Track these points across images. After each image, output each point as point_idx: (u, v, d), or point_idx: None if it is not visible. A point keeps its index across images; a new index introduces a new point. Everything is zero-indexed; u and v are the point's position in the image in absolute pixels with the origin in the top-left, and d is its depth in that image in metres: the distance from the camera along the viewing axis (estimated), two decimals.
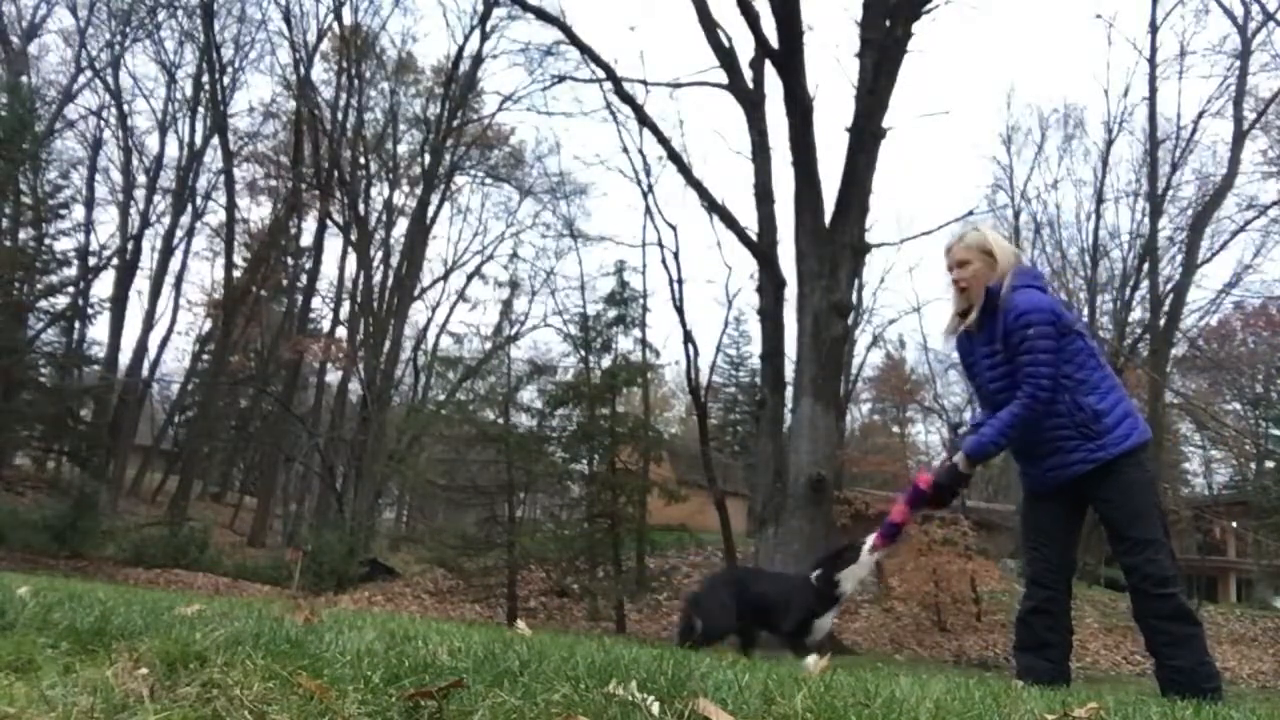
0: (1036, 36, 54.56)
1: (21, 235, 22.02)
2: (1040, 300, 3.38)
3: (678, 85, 15.93)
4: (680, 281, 19.11)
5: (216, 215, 31.97)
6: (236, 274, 31.81)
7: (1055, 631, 3.43)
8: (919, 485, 3.62)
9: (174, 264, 30.02)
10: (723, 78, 14.21)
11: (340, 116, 28.28)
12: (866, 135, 12.57)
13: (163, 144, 29.41)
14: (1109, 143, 24.81)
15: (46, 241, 22.39)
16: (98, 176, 29.01)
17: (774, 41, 12.26)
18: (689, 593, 4.78)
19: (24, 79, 24.61)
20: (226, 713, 1.30)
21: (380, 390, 24.71)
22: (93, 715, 1.27)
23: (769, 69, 13.46)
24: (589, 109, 38.38)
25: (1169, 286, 21.76)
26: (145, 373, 28.61)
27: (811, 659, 3.94)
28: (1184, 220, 22.84)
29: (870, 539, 3.91)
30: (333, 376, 31.87)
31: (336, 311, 33.89)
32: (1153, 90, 20.86)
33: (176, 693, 1.38)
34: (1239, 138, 20.09)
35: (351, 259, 29.41)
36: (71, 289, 24.19)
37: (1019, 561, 25.45)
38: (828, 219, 12.45)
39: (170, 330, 31.69)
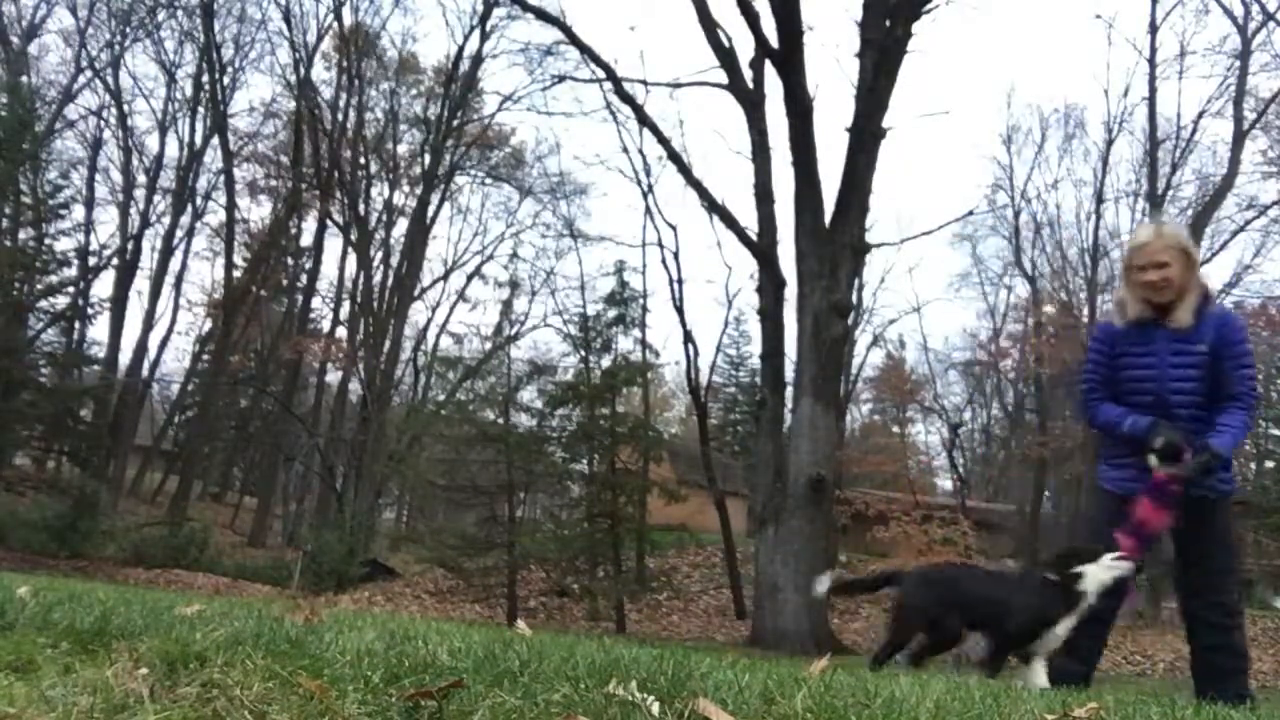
0: (1036, 36, 54.54)
1: (21, 235, 21.99)
2: None
3: (678, 85, 15.97)
4: (680, 281, 19.16)
5: (216, 215, 32.00)
6: (236, 274, 31.79)
7: (1098, 639, 3.53)
8: (1169, 486, 3.29)
9: (174, 264, 30.02)
10: (723, 78, 14.23)
11: (340, 116, 28.29)
12: (866, 135, 12.58)
13: (163, 144, 29.41)
14: (1109, 143, 24.76)
15: (46, 241, 22.37)
16: (98, 176, 29.03)
17: (774, 41, 12.28)
18: (897, 598, 3.85)
19: (24, 79, 24.60)
20: (226, 713, 1.30)
21: (380, 390, 24.72)
22: (93, 715, 1.27)
23: (769, 69, 13.47)
24: (589, 109, 38.32)
25: None
26: (145, 373, 28.60)
27: (1039, 677, 3.29)
28: (1184, 220, 22.77)
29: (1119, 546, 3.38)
30: (333, 376, 31.90)
31: (336, 311, 33.91)
32: (1153, 90, 20.82)
33: (176, 693, 1.38)
34: (1239, 138, 20.04)
35: (351, 259, 29.43)
36: (71, 289, 24.18)
37: (1019, 561, 25.44)
38: (828, 219, 12.46)
39: (170, 330, 31.69)
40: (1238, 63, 20.26)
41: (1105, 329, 3.63)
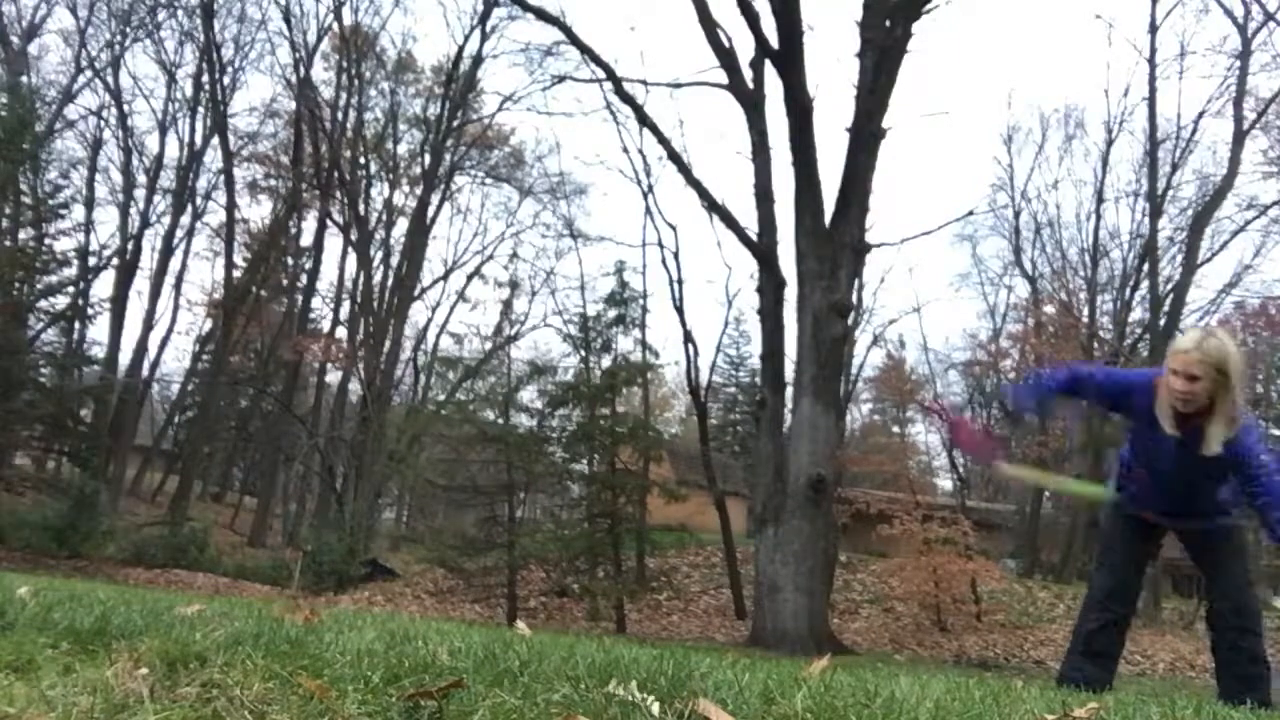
0: (1037, 37, 54.50)
1: (21, 235, 22.01)
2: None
3: (678, 85, 15.98)
4: (680, 281, 19.18)
5: (216, 215, 31.97)
6: (236, 274, 31.77)
7: (1119, 643, 3.73)
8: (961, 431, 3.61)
9: (174, 264, 29.99)
10: (723, 78, 14.22)
11: (340, 116, 28.28)
12: (866, 135, 12.58)
13: (163, 144, 29.39)
14: (1109, 143, 24.78)
15: (46, 241, 22.37)
16: (98, 176, 28.98)
17: (774, 41, 12.27)
18: None
19: (24, 79, 24.60)
20: (226, 713, 1.30)
21: (380, 390, 24.70)
22: (93, 715, 1.27)
23: (769, 69, 13.46)
24: (589, 109, 38.42)
25: (1169, 286, 21.71)
26: (145, 373, 28.59)
27: None
28: (1184, 220, 22.78)
29: None
30: (333, 376, 31.91)
31: (336, 311, 33.91)
32: (1153, 90, 20.81)
33: (176, 693, 1.38)
34: (1239, 138, 20.02)
35: (351, 259, 29.46)
36: (71, 289, 24.17)
37: (1019, 561, 25.46)
38: (828, 219, 12.46)
39: (170, 330, 31.66)
40: (1238, 63, 20.26)
41: (1143, 389, 3.48)
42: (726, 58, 14.02)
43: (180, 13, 27.62)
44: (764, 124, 14.18)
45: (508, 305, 23.82)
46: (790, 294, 13.39)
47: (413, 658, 1.71)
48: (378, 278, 27.71)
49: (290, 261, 33.47)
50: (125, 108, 28.46)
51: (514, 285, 23.65)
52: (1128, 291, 24.66)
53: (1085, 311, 25.89)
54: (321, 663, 1.60)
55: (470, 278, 32.26)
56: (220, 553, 22.29)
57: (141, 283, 28.19)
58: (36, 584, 3.43)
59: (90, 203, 27.74)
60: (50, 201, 22.68)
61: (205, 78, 28.19)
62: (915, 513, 16.44)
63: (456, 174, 29.26)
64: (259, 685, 1.38)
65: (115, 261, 27.10)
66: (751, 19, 12.29)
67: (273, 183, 33.39)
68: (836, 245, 12.29)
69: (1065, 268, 27.93)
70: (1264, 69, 20.77)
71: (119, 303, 26.39)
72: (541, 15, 16.62)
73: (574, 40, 15.96)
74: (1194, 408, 3.30)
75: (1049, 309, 27.13)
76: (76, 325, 25.43)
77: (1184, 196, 23.38)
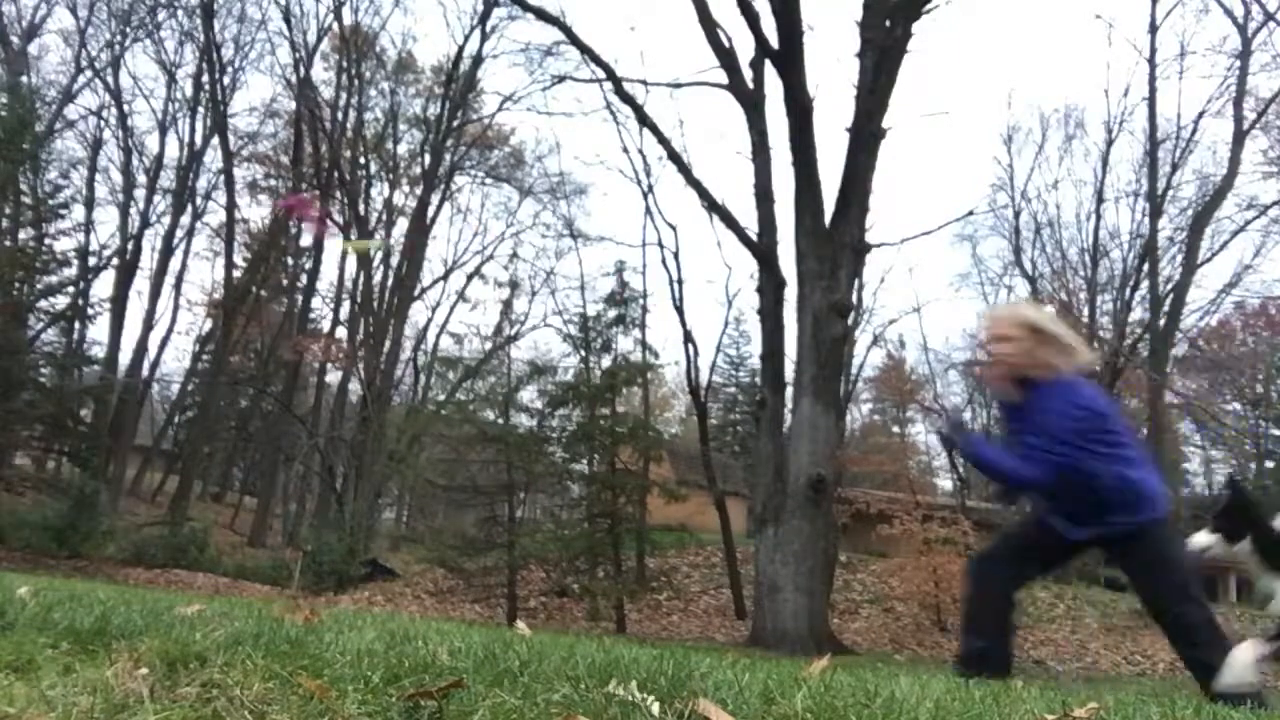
0: (1037, 37, 54.45)
1: (21, 235, 22.01)
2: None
3: (678, 85, 16.00)
4: (680, 281, 19.19)
5: (216, 215, 31.96)
6: (236, 274, 31.79)
7: (1002, 613, 3.46)
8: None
9: (174, 264, 29.98)
10: (723, 78, 14.24)
11: (340, 116, 28.29)
12: (866, 135, 12.59)
13: (163, 144, 29.39)
14: (1109, 143, 24.75)
15: (46, 241, 22.36)
16: (98, 176, 28.96)
17: (774, 41, 12.28)
18: None
19: (24, 79, 24.60)
20: (226, 713, 1.29)
21: (380, 390, 24.71)
22: (93, 715, 1.26)
23: (769, 69, 13.47)
24: (589, 109, 38.43)
25: (1169, 286, 21.72)
26: (145, 373, 28.59)
27: None
28: (1184, 220, 22.79)
29: None
30: (333, 376, 31.92)
31: (336, 311, 33.91)
32: (1153, 90, 20.83)
33: (176, 693, 1.38)
34: (1239, 138, 20.05)
35: (351, 259, 29.46)
36: (71, 289, 24.17)
37: None
38: (828, 219, 12.47)
39: (170, 330, 31.65)
40: (1238, 63, 20.28)
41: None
42: (726, 58, 14.03)
43: (180, 13, 27.66)
44: (764, 124, 14.18)
45: (508, 305, 23.88)
46: (790, 294, 13.41)
47: (413, 658, 1.71)
48: (378, 278, 27.75)
49: (290, 261, 33.47)
50: (125, 108, 28.49)
51: (514, 285, 23.70)
52: (1128, 291, 24.63)
53: (1085, 311, 25.88)
54: (321, 663, 1.60)
55: (470, 278, 32.30)
56: (220, 553, 22.28)
57: (141, 283, 28.22)
58: (36, 584, 3.43)
59: (90, 203, 27.74)
60: (50, 201, 22.68)
61: (205, 78, 28.21)
62: (915, 513, 16.44)
63: (456, 174, 29.29)
64: (259, 685, 1.38)
65: (115, 261, 27.11)
66: (751, 19, 12.29)
67: (273, 183, 33.40)
68: (836, 245, 12.30)
69: (1065, 268, 27.93)
70: (1264, 69, 20.81)
71: (119, 303, 26.39)
72: (541, 15, 16.64)
73: (574, 40, 15.97)
74: (1017, 373, 3.34)
75: (1049, 309, 27.11)
76: (76, 325, 25.44)
77: (1184, 196, 23.39)
